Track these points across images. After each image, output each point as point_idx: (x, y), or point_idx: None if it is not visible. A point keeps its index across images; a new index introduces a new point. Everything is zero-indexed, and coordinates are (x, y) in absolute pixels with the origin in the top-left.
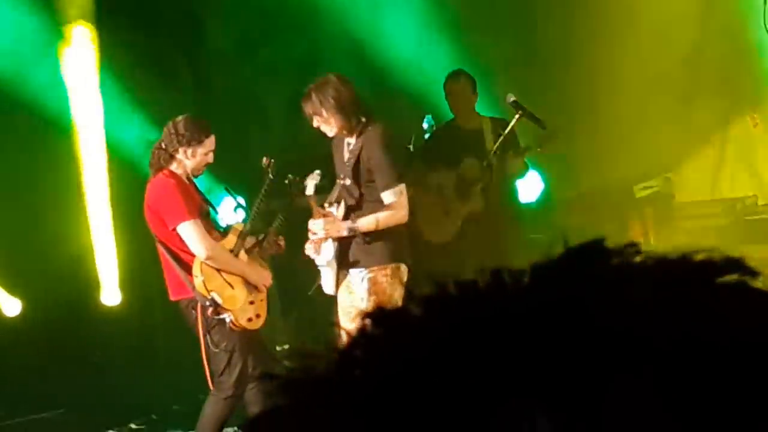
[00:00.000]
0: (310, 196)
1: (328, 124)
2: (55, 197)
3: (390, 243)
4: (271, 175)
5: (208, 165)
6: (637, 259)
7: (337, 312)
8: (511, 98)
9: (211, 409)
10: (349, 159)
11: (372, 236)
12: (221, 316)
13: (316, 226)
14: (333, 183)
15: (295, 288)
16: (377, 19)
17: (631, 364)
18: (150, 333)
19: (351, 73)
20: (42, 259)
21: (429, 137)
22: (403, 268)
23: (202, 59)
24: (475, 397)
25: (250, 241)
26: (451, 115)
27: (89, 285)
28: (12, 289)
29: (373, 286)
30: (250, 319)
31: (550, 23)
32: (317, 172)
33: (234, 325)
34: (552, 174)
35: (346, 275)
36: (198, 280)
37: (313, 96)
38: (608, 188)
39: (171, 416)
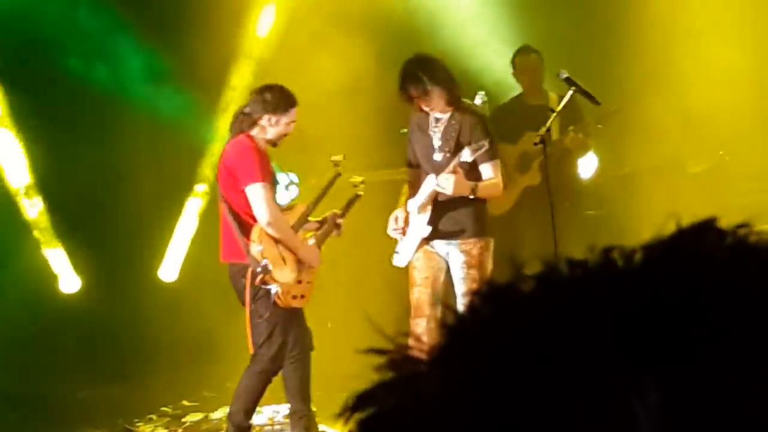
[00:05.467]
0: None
1: (431, 100)
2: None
3: (483, 216)
4: (339, 172)
5: (286, 136)
6: (751, 239)
7: (414, 282)
8: (564, 74)
9: (245, 381)
10: (448, 133)
11: (470, 208)
12: (269, 287)
13: (447, 181)
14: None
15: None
16: None
17: (743, 344)
18: (202, 310)
19: (401, 50)
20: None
21: (494, 111)
22: (492, 242)
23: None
24: (586, 371)
25: (311, 224)
26: (501, 91)
27: (146, 260)
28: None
29: (470, 259)
30: (294, 297)
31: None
32: None
33: (279, 298)
34: (605, 150)
35: (424, 246)
36: (255, 247)
37: (421, 75)
38: (661, 165)
39: (223, 393)
